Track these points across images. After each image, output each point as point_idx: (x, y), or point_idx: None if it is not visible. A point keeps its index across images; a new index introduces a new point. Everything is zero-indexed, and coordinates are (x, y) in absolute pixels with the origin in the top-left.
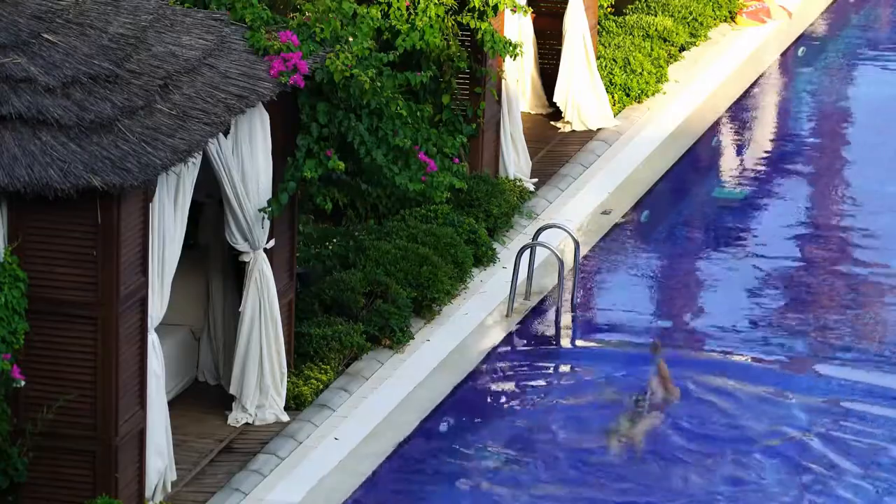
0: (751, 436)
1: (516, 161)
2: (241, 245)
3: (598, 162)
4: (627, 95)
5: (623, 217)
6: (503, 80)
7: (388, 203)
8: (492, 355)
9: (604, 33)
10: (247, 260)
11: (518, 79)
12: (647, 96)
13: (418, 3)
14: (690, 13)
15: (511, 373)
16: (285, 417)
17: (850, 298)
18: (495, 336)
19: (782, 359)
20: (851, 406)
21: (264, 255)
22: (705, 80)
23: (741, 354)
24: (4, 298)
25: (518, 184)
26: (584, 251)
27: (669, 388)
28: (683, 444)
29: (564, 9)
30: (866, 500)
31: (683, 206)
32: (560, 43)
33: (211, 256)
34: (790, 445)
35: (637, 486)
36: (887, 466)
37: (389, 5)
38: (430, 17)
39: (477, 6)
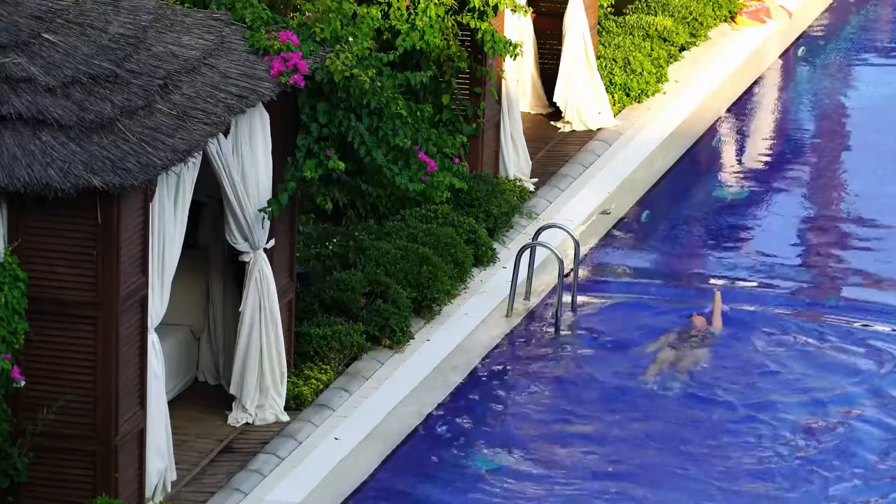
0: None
1: (516, 161)
2: (241, 245)
3: (598, 162)
4: (627, 95)
5: (623, 217)
6: (503, 80)
7: (388, 203)
8: (492, 355)
9: (604, 33)
10: (247, 260)
11: (518, 79)
12: (647, 96)
13: (418, 3)
14: (690, 13)
15: (511, 373)
16: (285, 417)
17: (849, 298)
18: (495, 336)
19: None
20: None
21: (264, 255)
22: (705, 80)
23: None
24: (4, 298)
25: (518, 184)
26: (584, 251)
27: (715, 320)
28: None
29: (564, 9)
30: None
31: (683, 206)
32: (560, 43)
33: (211, 256)
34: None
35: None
36: None
37: (389, 5)
38: (430, 17)
39: (477, 6)
